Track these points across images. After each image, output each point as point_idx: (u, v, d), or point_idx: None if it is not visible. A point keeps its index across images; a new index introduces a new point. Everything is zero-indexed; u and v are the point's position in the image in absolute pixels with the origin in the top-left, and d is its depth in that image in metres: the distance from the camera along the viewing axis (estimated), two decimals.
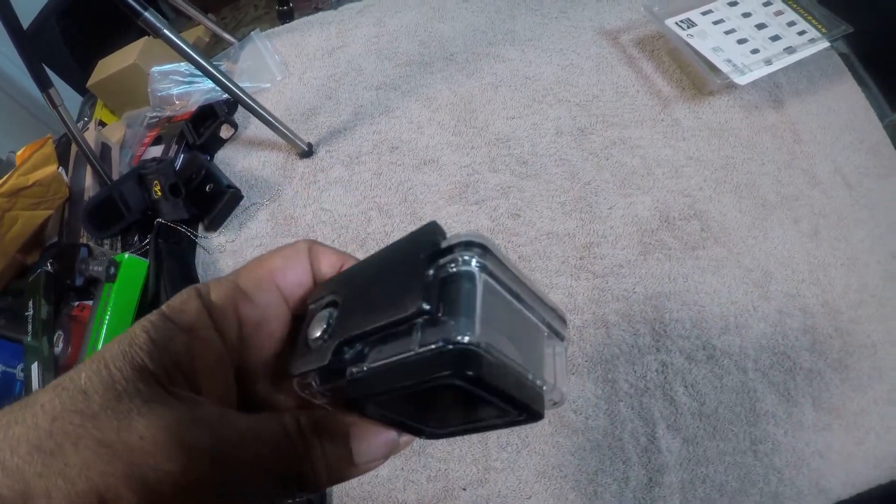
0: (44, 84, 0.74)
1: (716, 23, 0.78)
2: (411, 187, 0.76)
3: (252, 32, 0.98)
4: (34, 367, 0.71)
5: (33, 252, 0.88)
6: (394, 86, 0.86)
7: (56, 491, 0.15)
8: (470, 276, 0.16)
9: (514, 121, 0.79)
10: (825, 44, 0.74)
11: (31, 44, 0.72)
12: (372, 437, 0.19)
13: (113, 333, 0.69)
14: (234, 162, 0.85)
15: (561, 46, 0.85)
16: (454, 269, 0.16)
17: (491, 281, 0.16)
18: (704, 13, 0.79)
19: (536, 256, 0.69)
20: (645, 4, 0.81)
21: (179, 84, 0.90)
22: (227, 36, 0.99)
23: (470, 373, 0.14)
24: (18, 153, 0.87)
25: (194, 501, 0.16)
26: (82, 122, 1.04)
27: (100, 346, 0.68)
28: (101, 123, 0.99)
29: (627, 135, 0.76)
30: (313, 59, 0.93)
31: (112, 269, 0.72)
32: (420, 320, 0.15)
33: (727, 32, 0.77)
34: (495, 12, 0.91)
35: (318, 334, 0.19)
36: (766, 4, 0.79)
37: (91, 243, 0.82)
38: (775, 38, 0.76)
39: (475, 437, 0.61)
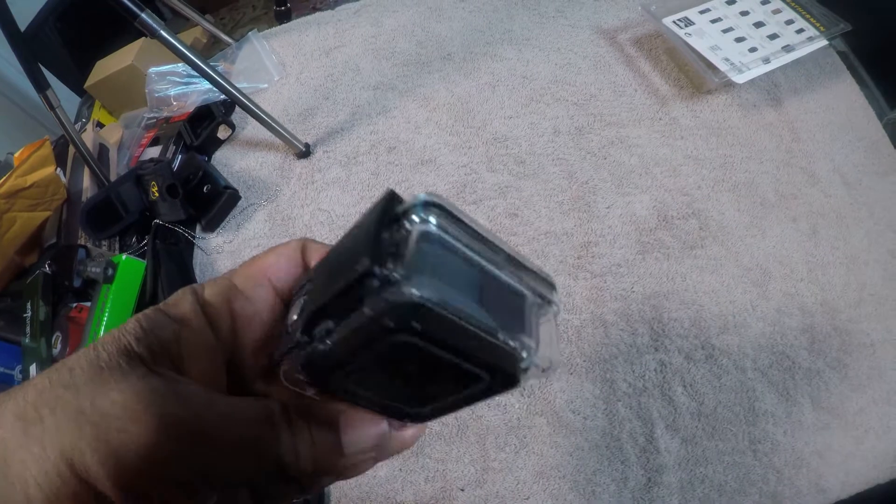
0: (41, 85, 0.74)
1: (713, 21, 0.78)
2: (409, 187, 0.76)
3: (249, 33, 0.98)
4: (32, 368, 0.71)
5: (31, 253, 0.88)
6: (391, 86, 0.86)
7: (30, 457, 0.15)
8: (424, 236, 0.15)
9: (512, 120, 0.79)
10: (823, 42, 0.74)
11: (28, 45, 0.71)
12: (361, 425, 0.19)
13: None
14: (231, 162, 0.85)
15: (558, 46, 0.85)
16: (407, 229, 0.15)
17: (450, 240, 0.16)
18: (702, 12, 0.79)
19: (534, 256, 0.68)
20: (642, 3, 0.81)
21: (177, 85, 0.90)
22: (224, 37, 0.99)
23: (415, 324, 0.14)
24: (16, 154, 0.87)
25: (166, 476, 0.16)
26: (80, 123, 1.04)
27: None
28: (99, 125, 0.99)
29: (625, 134, 0.76)
30: (310, 59, 0.93)
31: (110, 271, 0.72)
32: (374, 282, 0.15)
33: (725, 31, 0.77)
34: (493, 12, 0.91)
35: (294, 318, 0.19)
36: (764, 3, 0.79)
37: (89, 244, 0.82)
38: (773, 36, 0.75)
39: (473, 437, 0.60)
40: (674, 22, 0.78)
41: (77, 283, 0.76)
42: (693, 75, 0.78)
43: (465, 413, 0.61)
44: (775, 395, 0.59)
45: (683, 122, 0.76)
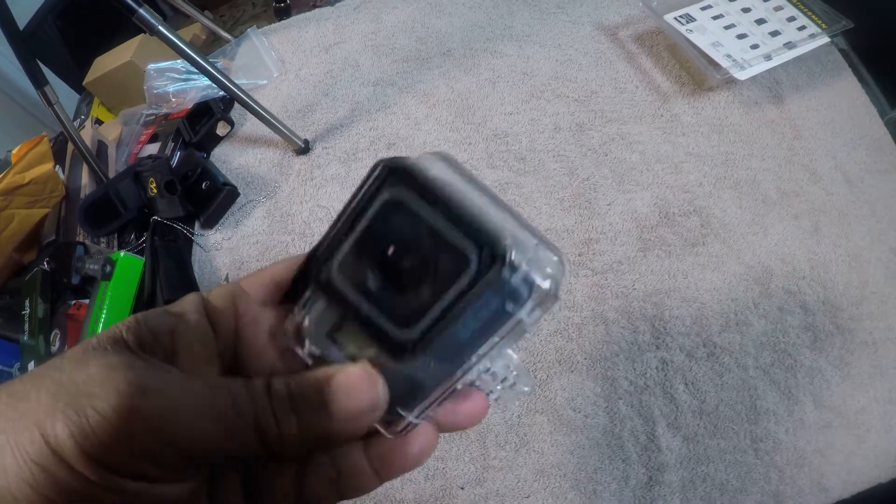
0: (39, 81, 0.74)
1: (715, 18, 0.78)
2: None
3: (249, 29, 0.98)
4: (31, 365, 0.71)
5: (30, 250, 0.87)
6: (391, 82, 0.86)
7: (10, 428, 0.16)
8: (442, 155, 0.18)
9: (512, 116, 0.79)
10: (825, 39, 0.74)
11: (26, 42, 0.71)
12: (348, 378, 0.18)
13: None
14: (230, 159, 0.85)
15: (559, 42, 0.85)
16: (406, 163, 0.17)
17: (460, 169, 0.18)
18: (704, 8, 0.78)
19: None
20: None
21: (176, 81, 0.90)
22: (223, 33, 0.99)
23: (404, 168, 0.16)
24: (14, 151, 0.87)
25: (135, 448, 0.16)
26: (79, 120, 1.03)
27: None
28: (98, 121, 0.99)
29: (626, 130, 0.75)
30: (310, 55, 0.92)
31: (108, 268, 0.71)
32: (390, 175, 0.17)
33: (727, 27, 0.76)
34: (493, 8, 0.91)
35: (301, 312, 0.20)
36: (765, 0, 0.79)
37: (87, 241, 0.81)
38: (775, 33, 0.75)
39: (473, 435, 0.60)
40: (675, 18, 0.77)
41: (75, 280, 0.75)
42: (694, 72, 0.78)
43: None
44: (777, 394, 0.59)
45: (685, 118, 0.75)
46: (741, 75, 0.71)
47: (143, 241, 0.77)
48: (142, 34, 0.93)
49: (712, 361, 0.61)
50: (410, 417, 0.19)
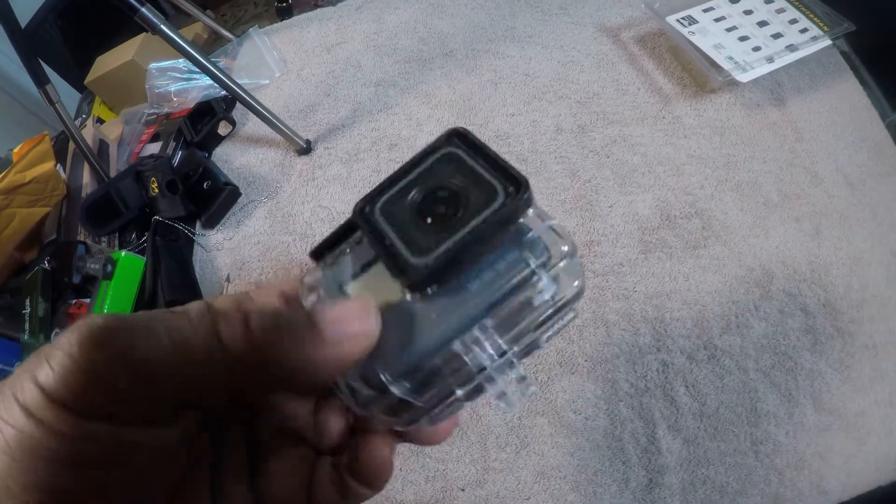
0: (41, 80, 0.74)
1: (717, 20, 0.78)
2: None
3: (251, 29, 0.98)
4: None
5: (30, 250, 0.87)
6: (393, 82, 0.86)
7: None
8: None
9: (514, 118, 0.79)
10: (827, 42, 0.74)
11: (28, 40, 0.71)
12: (347, 306, 0.18)
13: None
14: (231, 159, 0.85)
15: (561, 43, 0.85)
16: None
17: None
18: (706, 10, 0.78)
19: None
20: (646, 1, 0.80)
21: (177, 81, 0.90)
22: (225, 33, 0.99)
23: (464, 132, 0.20)
24: (15, 150, 0.87)
25: (99, 384, 0.16)
26: (80, 119, 1.03)
27: None
28: (99, 120, 0.99)
29: (628, 132, 0.75)
30: (312, 55, 0.92)
31: (109, 267, 0.71)
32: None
33: (729, 30, 0.76)
34: (495, 8, 0.91)
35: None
36: (767, 2, 0.79)
37: (88, 241, 0.81)
38: (777, 35, 0.75)
39: (473, 437, 0.60)
40: (677, 20, 0.77)
41: (76, 279, 0.75)
42: (696, 74, 0.78)
43: (465, 413, 0.61)
44: (777, 396, 0.59)
45: (687, 120, 0.75)
46: (743, 77, 0.71)
47: (144, 241, 0.77)
48: (143, 33, 0.93)
49: (713, 364, 0.61)
50: (393, 385, 0.18)
